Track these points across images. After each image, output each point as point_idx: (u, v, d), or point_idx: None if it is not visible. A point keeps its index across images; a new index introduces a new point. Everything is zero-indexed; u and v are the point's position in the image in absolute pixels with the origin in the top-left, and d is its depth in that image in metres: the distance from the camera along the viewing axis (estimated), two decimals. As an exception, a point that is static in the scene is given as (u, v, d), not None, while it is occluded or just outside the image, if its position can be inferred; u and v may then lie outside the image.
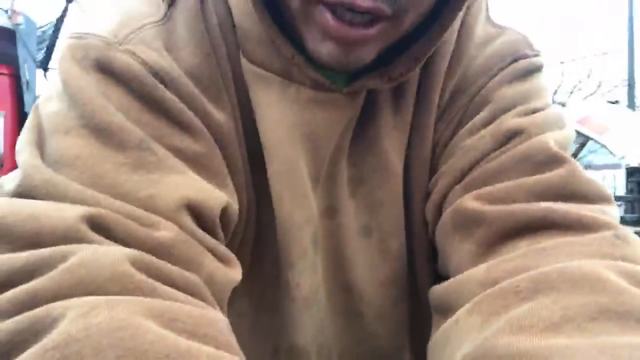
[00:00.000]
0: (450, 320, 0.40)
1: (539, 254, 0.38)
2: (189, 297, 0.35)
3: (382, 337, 0.56)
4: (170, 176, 0.40)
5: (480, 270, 0.40)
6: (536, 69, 0.52)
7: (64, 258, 0.31)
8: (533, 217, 0.41)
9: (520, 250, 0.40)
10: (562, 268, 0.35)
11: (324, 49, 0.43)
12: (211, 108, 0.46)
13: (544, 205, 0.41)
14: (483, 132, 0.49)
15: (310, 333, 0.54)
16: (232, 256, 0.44)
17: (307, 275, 0.52)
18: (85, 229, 0.34)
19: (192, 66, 0.46)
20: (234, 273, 0.44)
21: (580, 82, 16.63)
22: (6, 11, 5.10)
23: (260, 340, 0.54)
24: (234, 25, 0.48)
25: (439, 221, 0.49)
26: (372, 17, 0.41)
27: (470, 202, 0.45)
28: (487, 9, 0.55)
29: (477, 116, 0.50)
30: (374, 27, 0.42)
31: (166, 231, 0.37)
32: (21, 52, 5.03)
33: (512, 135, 0.47)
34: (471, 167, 0.47)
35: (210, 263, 0.40)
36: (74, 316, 0.28)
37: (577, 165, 0.45)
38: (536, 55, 0.53)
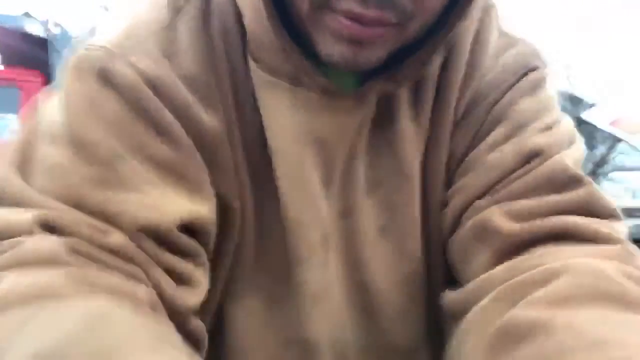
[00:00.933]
0: (474, 309, 0.43)
1: (554, 253, 0.43)
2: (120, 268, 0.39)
3: (398, 336, 0.57)
4: (129, 194, 0.43)
5: (500, 270, 0.44)
6: (545, 81, 0.56)
7: (15, 245, 0.38)
8: (552, 228, 0.45)
9: (537, 253, 0.44)
10: (575, 262, 0.40)
11: (336, 51, 0.45)
12: (204, 114, 0.48)
13: (562, 218, 0.45)
14: (504, 149, 0.51)
15: (322, 328, 0.55)
16: (195, 277, 0.46)
17: (316, 273, 0.54)
18: (37, 229, 0.38)
19: (190, 73, 0.48)
20: (189, 294, 0.45)
21: (611, 82, 16.20)
22: (43, 22, 5.29)
23: (271, 333, 0.55)
24: (244, 34, 0.50)
25: (459, 231, 0.51)
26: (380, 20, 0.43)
27: (493, 216, 0.47)
28: (497, 19, 0.57)
29: (496, 131, 0.53)
30: (382, 29, 0.44)
31: (116, 237, 0.41)
32: (56, 61, 5.20)
33: (533, 155, 0.50)
34: (495, 184, 0.50)
35: (159, 276, 0.42)
36: (9, 279, 0.35)
37: (593, 184, 0.49)
38: (545, 67, 0.56)
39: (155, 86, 0.46)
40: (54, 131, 0.44)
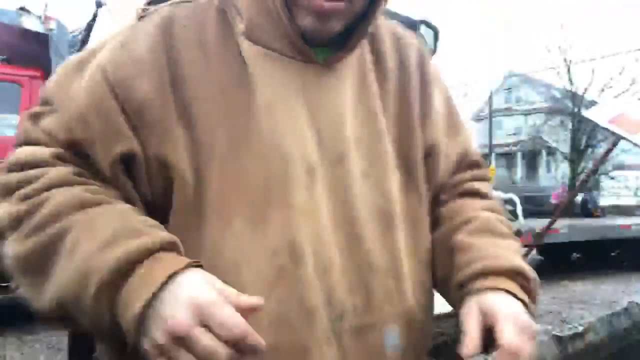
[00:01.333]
0: (436, 234, 0.83)
1: (469, 204, 0.84)
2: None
3: (377, 257, 0.72)
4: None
5: (445, 211, 0.85)
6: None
7: (43, 174, 0.64)
8: (467, 189, 0.87)
9: (459, 202, 0.85)
10: (478, 214, 0.81)
11: (308, 22, 0.68)
12: (147, 87, 0.67)
13: (472, 184, 0.88)
14: (451, 155, 0.86)
15: (307, 240, 0.68)
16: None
17: (302, 198, 0.68)
18: (54, 161, 0.66)
19: (138, 55, 0.68)
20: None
21: (611, 79, 16.18)
22: (39, 17, 5.25)
23: (260, 247, 0.66)
24: (226, 28, 0.72)
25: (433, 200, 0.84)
26: None
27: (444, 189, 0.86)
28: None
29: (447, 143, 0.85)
30: (341, 3, 0.67)
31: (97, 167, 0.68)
32: (53, 56, 5.18)
33: (464, 153, 0.89)
34: (448, 179, 0.87)
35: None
36: (60, 193, 0.63)
37: (483, 162, 0.95)
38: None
39: (108, 76, 0.68)
40: (48, 108, 0.71)
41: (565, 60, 16.74)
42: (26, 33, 5.30)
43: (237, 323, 0.52)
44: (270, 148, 0.68)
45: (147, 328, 0.53)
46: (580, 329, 2.22)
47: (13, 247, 0.62)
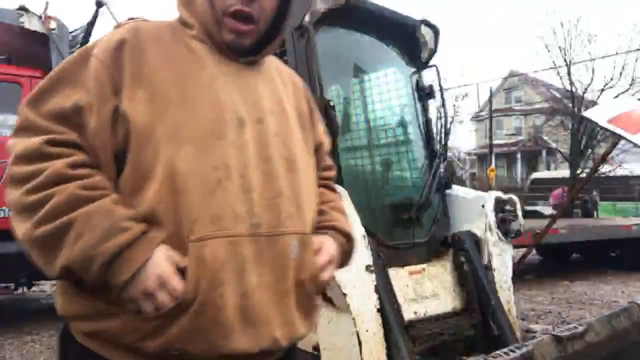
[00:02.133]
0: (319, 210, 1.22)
1: (328, 194, 1.28)
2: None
3: (285, 190, 1.06)
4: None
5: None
6: None
7: (40, 172, 0.91)
8: (327, 184, 1.31)
9: (327, 192, 1.28)
10: (336, 204, 1.28)
11: (229, 38, 1.07)
12: (127, 65, 1.00)
13: (328, 182, 1.33)
14: (323, 144, 1.32)
15: (236, 162, 1.00)
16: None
17: (233, 132, 1.02)
18: (47, 147, 0.94)
19: (107, 55, 1.01)
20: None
21: (611, 79, 16.17)
22: (39, 17, 5.24)
23: (203, 163, 0.98)
24: (176, 34, 1.09)
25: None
26: (250, 20, 1.07)
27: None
28: None
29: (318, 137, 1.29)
30: (251, 25, 1.07)
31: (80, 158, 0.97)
32: (54, 56, 5.18)
33: (329, 167, 1.36)
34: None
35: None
36: (61, 191, 0.92)
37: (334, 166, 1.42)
38: None
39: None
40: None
41: (565, 60, 16.74)
42: (26, 33, 5.30)
43: (176, 289, 0.92)
44: (212, 102, 1.02)
45: (128, 287, 0.91)
46: (580, 329, 2.22)
47: (25, 230, 0.91)
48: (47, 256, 0.91)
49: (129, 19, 1.11)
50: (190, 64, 1.05)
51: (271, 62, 1.21)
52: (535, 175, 23.78)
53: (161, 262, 0.91)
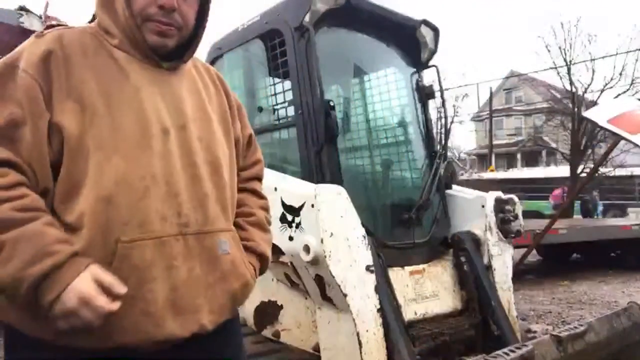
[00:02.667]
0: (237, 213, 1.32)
1: (249, 199, 1.37)
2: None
3: (210, 191, 1.17)
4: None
5: (239, 198, 1.32)
6: None
7: None
8: (250, 186, 1.39)
9: (243, 196, 1.35)
10: (257, 211, 1.37)
11: (152, 39, 1.12)
12: (53, 76, 1.05)
13: (254, 182, 1.41)
14: (248, 155, 1.42)
15: (161, 170, 1.09)
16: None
17: (158, 143, 1.09)
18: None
19: (33, 67, 1.04)
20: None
21: (611, 79, 16.16)
22: (39, 17, 5.24)
23: (132, 173, 1.06)
24: (98, 44, 1.13)
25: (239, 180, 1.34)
26: (171, 25, 1.13)
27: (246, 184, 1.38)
28: None
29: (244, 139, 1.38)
30: (173, 29, 1.14)
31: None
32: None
33: (257, 162, 1.45)
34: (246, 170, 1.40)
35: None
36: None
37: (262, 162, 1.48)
38: None
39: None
40: None
41: (565, 60, 16.73)
42: (26, 33, 5.30)
43: (102, 306, 0.97)
44: (137, 113, 1.09)
45: (56, 305, 0.96)
46: (580, 329, 2.22)
47: None
48: None
49: (49, 26, 1.13)
50: (115, 74, 1.10)
51: (193, 64, 1.27)
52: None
53: (84, 283, 0.97)
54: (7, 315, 1.06)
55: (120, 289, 0.99)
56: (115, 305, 0.98)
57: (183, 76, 1.22)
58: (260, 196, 1.41)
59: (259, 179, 1.44)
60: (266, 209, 1.41)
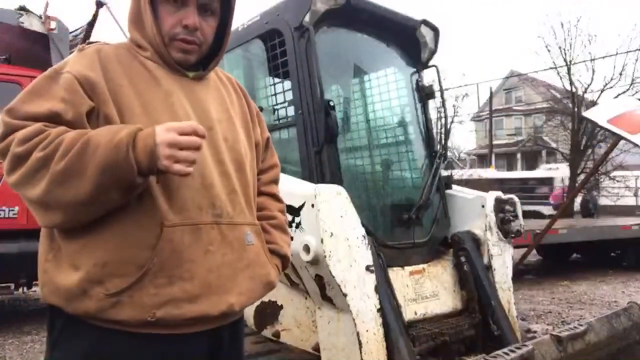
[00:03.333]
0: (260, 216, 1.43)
1: (271, 203, 1.49)
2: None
3: (237, 187, 1.29)
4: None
5: (259, 202, 1.45)
6: None
7: (47, 135, 1.08)
8: (269, 190, 1.50)
9: (263, 199, 1.47)
10: (276, 214, 1.47)
11: (177, 56, 1.28)
12: (96, 78, 1.17)
13: (272, 186, 1.53)
14: (267, 158, 1.54)
15: (198, 164, 1.13)
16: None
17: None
18: (45, 127, 1.09)
19: (88, 65, 1.19)
20: None
21: (611, 79, 16.16)
22: (39, 17, 5.23)
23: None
24: (133, 56, 1.27)
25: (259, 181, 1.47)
26: (194, 43, 1.28)
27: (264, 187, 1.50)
28: None
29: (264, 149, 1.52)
30: (195, 46, 1.28)
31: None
32: (54, 56, 5.17)
33: (275, 165, 1.57)
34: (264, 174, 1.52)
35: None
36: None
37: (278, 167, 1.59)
38: None
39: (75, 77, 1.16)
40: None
41: (565, 60, 16.73)
42: (26, 33, 5.30)
43: (190, 128, 1.09)
44: (170, 114, 1.20)
45: (157, 153, 1.05)
46: (580, 329, 2.22)
47: (52, 169, 1.04)
48: (76, 176, 1.04)
49: (89, 43, 1.29)
50: (148, 81, 1.23)
51: (215, 74, 1.42)
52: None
53: (164, 130, 1.07)
54: (52, 296, 1.14)
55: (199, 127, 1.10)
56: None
57: (208, 84, 1.35)
58: (279, 200, 1.51)
59: (276, 182, 1.54)
60: (284, 211, 1.51)
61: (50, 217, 1.09)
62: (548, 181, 20.53)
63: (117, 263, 1.10)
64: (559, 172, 19.31)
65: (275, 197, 1.50)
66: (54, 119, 1.11)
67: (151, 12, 1.24)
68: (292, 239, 1.57)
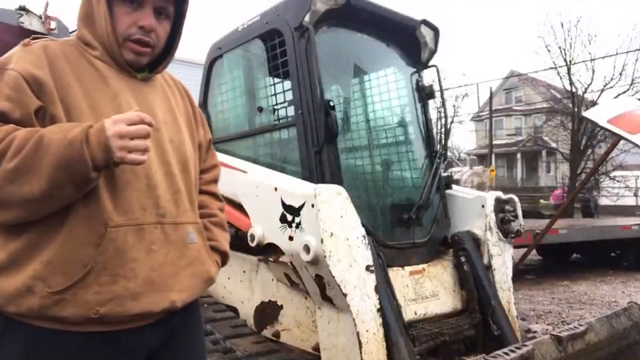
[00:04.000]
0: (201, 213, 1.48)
1: (210, 202, 1.54)
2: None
3: (182, 188, 1.34)
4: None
5: (200, 200, 1.50)
6: None
7: None
8: (208, 189, 1.56)
9: (204, 198, 1.51)
10: (217, 212, 1.54)
11: (130, 57, 1.30)
12: (43, 76, 1.17)
13: (212, 185, 1.58)
14: (206, 159, 1.57)
15: (141, 166, 1.18)
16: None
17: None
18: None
19: (34, 62, 1.18)
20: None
21: (611, 79, 16.16)
22: (39, 17, 5.23)
23: (117, 172, 1.19)
24: (81, 54, 1.28)
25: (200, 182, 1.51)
26: (148, 45, 1.30)
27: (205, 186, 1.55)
28: None
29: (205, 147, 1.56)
30: (148, 49, 1.31)
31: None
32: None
33: (215, 165, 1.61)
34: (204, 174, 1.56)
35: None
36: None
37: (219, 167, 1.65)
38: None
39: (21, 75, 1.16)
40: None
41: (565, 60, 16.73)
42: (26, 33, 5.29)
43: (136, 117, 1.12)
44: (117, 114, 1.15)
45: (110, 145, 1.08)
46: (580, 329, 2.22)
47: (4, 167, 1.05)
48: (29, 173, 1.06)
49: (34, 38, 1.27)
50: (96, 81, 1.25)
51: (161, 77, 1.44)
52: None
53: (112, 119, 1.11)
54: None
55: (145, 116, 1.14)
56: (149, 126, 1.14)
57: (154, 86, 1.39)
58: (219, 199, 1.58)
59: (216, 181, 1.61)
60: (223, 209, 1.58)
61: (2, 215, 1.11)
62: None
63: (61, 262, 1.12)
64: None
65: (216, 196, 1.56)
66: (0, 117, 1.11)
67: (106, 11, 1.24)
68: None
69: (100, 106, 1.21)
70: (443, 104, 3.68)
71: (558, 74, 16.95)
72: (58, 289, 1.12)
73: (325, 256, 2.36)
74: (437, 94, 3.69)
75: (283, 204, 2.63)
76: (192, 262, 1.32)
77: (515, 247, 4.25)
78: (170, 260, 1.26)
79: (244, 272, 3.34)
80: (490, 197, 3.41)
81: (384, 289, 2.60)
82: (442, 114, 3.60)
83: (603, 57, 16.30)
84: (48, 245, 1.13)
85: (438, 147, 3.61)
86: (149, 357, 1.29)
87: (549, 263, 10.20)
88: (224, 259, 1.50)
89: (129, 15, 1.27)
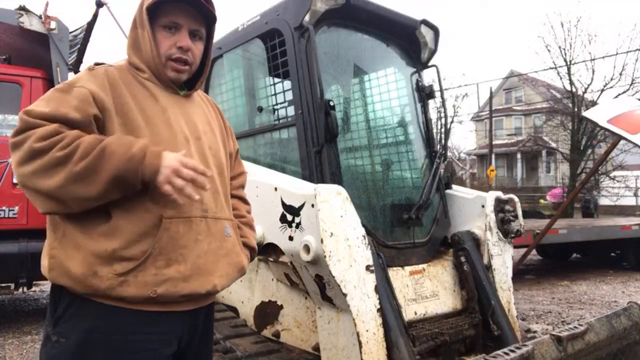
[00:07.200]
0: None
1: (240, 205, 1.78)
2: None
3: (219, 187, 1.57)
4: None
5: (234, 204, 1.74)
6: None
7: (64, 137, 1.27)
8: (239, 194, 1.80)
9: (235, 201, 1.75)
10: (245, 214, 1.78)
11: (172, 75, 1.54)
12: (104, 96, 1.39)
13: (240, 190, 1.83)
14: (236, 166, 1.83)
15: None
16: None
17: (183, 147, 1.45)
18: (61, 128, 1.29)
19: (99, 83, 1.41)
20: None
21: (611, 79, 16.16)
22: (39, 17, 5.22)
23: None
24: (133, 76, 1.51)
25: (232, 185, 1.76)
26: (186, 63, 1.55)
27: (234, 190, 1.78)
28: None
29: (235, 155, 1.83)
30: (187, 66, 1.55)
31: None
32: (54, 56, 5.16)
33: (243, 173, 1.87)
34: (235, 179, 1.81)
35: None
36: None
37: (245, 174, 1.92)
38: None
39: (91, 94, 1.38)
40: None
41: (565, 60, 16.73)
42: (26, 33, 5.30)
43: (194, 165, 1.33)
44: (167, 126, 1.46)
45: (159, 172, 1.29)
46: (580, 329, 2.22)
47: (63, 174, 1.23)
48: (90, 177, 1.25)
49: (96, 64, 1.50)
50: (148, 99, 1.47)
51: (198, 95, 1.70)
52: None
53: (173, 156, 1.32)
54: (61, 278, 1.32)
55: (204, 169, 1.35)
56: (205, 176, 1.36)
57: (194, 102, 1.63)
58: (247, 202, 1.82)
59: (243, 187, 1.85)
60: (250, 212, 1.82)
61: (51, 206, 1.28)
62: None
63: (124, 249, 1.31)
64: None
65: (244, 200, 1.81)
66: (67, 122, 1.29)
67: (151, 38, 1.49)
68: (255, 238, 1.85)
69: (152, 118, 1.44)
70: (443, 104, 3.67)
71: (558, 74, 16.96)
72: (122, 272, 1.30)
73: (325, 256, 2.36)
74: (437, 94, 3.69)
75: (283, 204, 2.63)
76: (228, 253, 1.53)
77: (515, 247, 4.25)
78: (212, 249, 1.46)
79: (244, 272, 3.34)
80: (490, 197, 3.41)
81: (384, 289, 2.60)
82: (442, 114, 3.60)
83: (603, 57, 16.30)
84: (111, 237, 1.32)
85: (438, 147, 3.61)
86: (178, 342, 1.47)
87: (549, 263, 10.20)
88: (252, 254, 1.72)
89: (169, 39, 1.50)
